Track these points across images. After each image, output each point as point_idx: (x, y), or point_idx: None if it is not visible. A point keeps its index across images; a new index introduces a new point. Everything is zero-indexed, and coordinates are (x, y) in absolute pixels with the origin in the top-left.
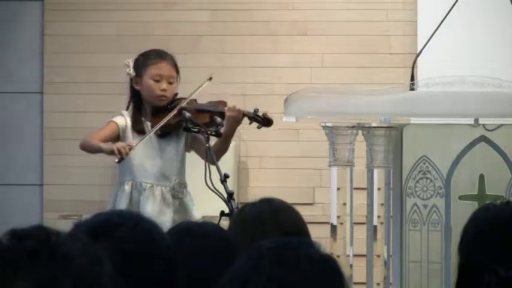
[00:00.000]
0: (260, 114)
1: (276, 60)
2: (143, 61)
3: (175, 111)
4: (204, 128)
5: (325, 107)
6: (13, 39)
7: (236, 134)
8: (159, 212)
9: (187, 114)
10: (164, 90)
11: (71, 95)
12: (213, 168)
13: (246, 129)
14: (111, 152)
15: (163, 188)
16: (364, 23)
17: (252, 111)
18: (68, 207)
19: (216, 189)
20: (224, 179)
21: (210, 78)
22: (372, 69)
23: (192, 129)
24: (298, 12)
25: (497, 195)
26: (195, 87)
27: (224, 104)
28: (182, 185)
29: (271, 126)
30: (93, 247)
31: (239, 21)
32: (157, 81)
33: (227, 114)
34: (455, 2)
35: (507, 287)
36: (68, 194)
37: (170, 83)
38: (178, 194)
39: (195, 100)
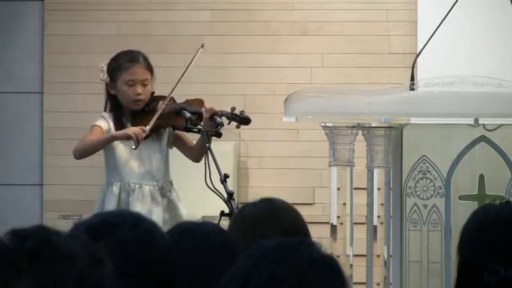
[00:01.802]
0: (237, 113)
1: (276, 60)
2: (115, 66)
3: (163, 107)
4: (204, 127)
5: (325, 107)
6: (13, 39)
7: (236, 133)
8: (148, 211)
9: (187, 114)
10: (139, 94)
11: (71, 95)
12: (213, 168)
13: (246, 129)
14: (128, 137)
15: (151, 187)
16: (364, 23)
17: (229, 110)
18: (68, 207)
19: (216, 189)
20: (224, 179)
21: (202, 45)
22: (372, 69)
23: (193, 129)
24: (298, 12)
25: (497, 195)
26: (194, 87)
27: (201, 102)
28: (169, 183)
29: (250, 124)
30: (93, 247)
31: (239, 21)
32: (131, 86)
33: (204, 115)
34: (455, 2)
35: (507, 287)
36: (68, 194)
37: (144, 85)
38: (166, 193)
39: (173, 98)
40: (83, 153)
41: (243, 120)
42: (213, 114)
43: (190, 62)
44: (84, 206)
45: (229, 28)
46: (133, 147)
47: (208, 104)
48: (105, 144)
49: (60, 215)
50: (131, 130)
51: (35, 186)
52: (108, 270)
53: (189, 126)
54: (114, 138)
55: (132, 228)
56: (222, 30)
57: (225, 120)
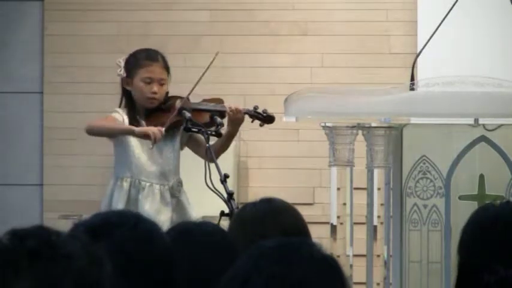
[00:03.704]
0: (260, 111)
1: (276, 60)
2: (134, 63)
3: (176, 111)
4: (204, 128)
5: (325, 107)
6: (13, 39)
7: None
8: (157, 211)
9: (188, 114)
10: (155, 92)
11: (71, 95)
12: (213, 168)
13: (246, 129)
14: (146, 136)
15: (162, 187)
16: (364, 23)
17: (252, 108)
18: (68, 207)
19: (216, 189)
20: (224, 179)
21: (217, 53)
22: (372, 69)
23: (192, 129)
24: (298, 12)
25: (497, 195)
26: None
27: (221, 101)
28: (180, 183)
29: (273, 123)
30: (93, 247)
31: (239, 21)
32: (148, 83)
33: (230, 116)
34: (455, 2)
35: (506, 286)
36: (68, 194)
37: (161, 85)
38: (176, 193)
39: (188, 99)
40: (97, 131)
41: (267, 118)
42: (212, 114)
43: (207, 68)
44: (84, 206)
45: (229, 28)
46: (151, 146)
47: (232, 104)
48: (122, 133)
49: (60, 215)
50: (150, 129)
51: (35, 186)
52: (107, 270)
53: (189, 126)
54: (132, 133)
55: (132, 228)
56: (222, 30)
57: (248, 118)
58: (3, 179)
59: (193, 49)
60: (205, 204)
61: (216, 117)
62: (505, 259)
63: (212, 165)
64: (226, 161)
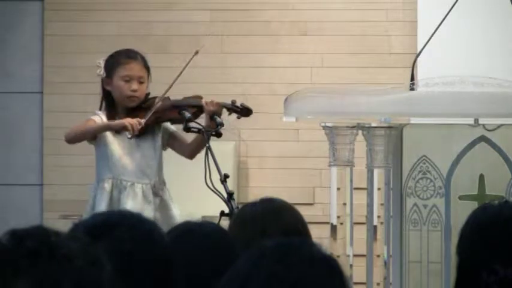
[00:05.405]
0: (238, 104)
1: (276, 60)
2: (113, 62)
3: (160, 103)
4: (204, 127)
5: (325, 107)
6: (13, 39)
7: (236, 133)
8: (140, 210)
9: (187, 114)
10: (134, 90)
11: (71, 95)
12: (213, 168)
13: (246, 129)
14: (123, 127)
15: (143, 185)
16: (364, 23)
17: (229, 102)
18: (68, 207)
19: (216, 189)
20: (224, 179)
21: (197, 52)
22: (372, 69)
23: (193, 129)
24: (298, 12)
25: (497, 195)
26: (194, 87)
27: (200, 98)
28: (162, 182)
29: (250, 115)
30: (93, 247)
31: (239, 21)
32: (127, 81)
33: (206, 109)
34: (455, 2)
35: (506, 286)
36: (68, 194)
37: (141, 83)
38: (159, 192)
39: (169, 98)
40: (74, 137)
41: (243, 110)
42: (213, 114)
43: (186, 65)
44: (84, 206)
45: (229, 28)
46: (129, 136)
47: (208, 98)
48: (99, 131)
49: (60, 215)
50: (127, 121)
51: (35, 186)
52: (107, 270)
53: (189, 126)
54: (109, 127)
55: (132, 228)
56: (222, 30)
57: (225, 112)
58: (3, 179)
59: (193, 49)
60: (205, 204)
61: (215, 117)
62: (504, 258)
63: (212, 165)
64: (226, 161)
